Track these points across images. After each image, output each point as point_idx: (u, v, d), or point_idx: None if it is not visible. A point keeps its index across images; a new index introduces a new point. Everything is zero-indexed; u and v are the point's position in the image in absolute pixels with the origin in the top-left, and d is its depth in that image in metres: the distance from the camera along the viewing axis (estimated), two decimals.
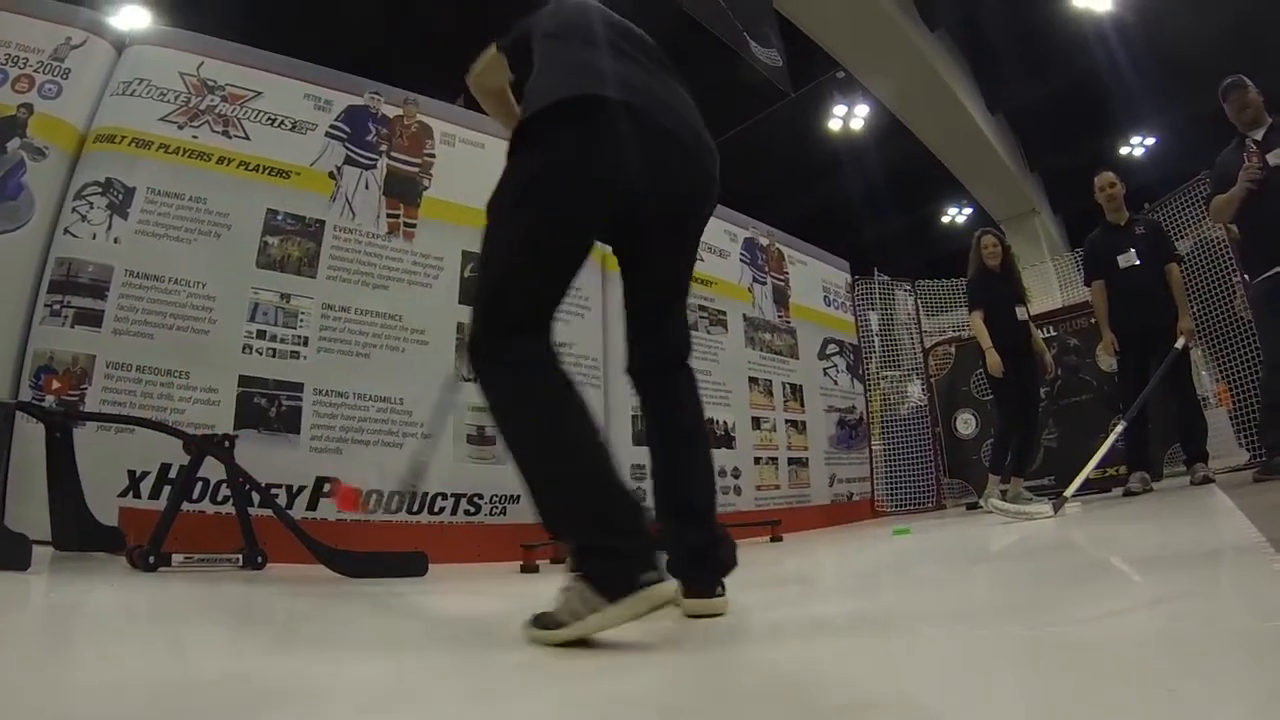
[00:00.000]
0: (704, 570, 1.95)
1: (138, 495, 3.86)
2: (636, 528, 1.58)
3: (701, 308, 6.73)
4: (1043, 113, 13.97)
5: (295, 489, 4.23)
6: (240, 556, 3.39)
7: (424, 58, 10.00)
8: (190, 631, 1.99)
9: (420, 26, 10.00)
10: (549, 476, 1.65)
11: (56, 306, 4.03)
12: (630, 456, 5.44)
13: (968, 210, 16.92)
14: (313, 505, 4.26)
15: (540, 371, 1.74)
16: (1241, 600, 1.51)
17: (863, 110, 12.66)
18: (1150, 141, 15.27)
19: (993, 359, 5.77)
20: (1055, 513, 4.67)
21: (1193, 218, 7.14)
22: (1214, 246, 6.77)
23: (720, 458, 6.24)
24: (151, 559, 3.07)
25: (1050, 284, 10.59)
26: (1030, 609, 1.71)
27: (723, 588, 1.95)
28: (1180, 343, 5.37)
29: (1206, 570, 1.97)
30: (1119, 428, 5.30)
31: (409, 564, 3.46)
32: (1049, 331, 7.65)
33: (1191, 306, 5.98)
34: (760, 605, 2.18)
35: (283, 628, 2.17)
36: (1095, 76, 12.40)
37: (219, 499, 3.89)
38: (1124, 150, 15.33)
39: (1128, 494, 5.51)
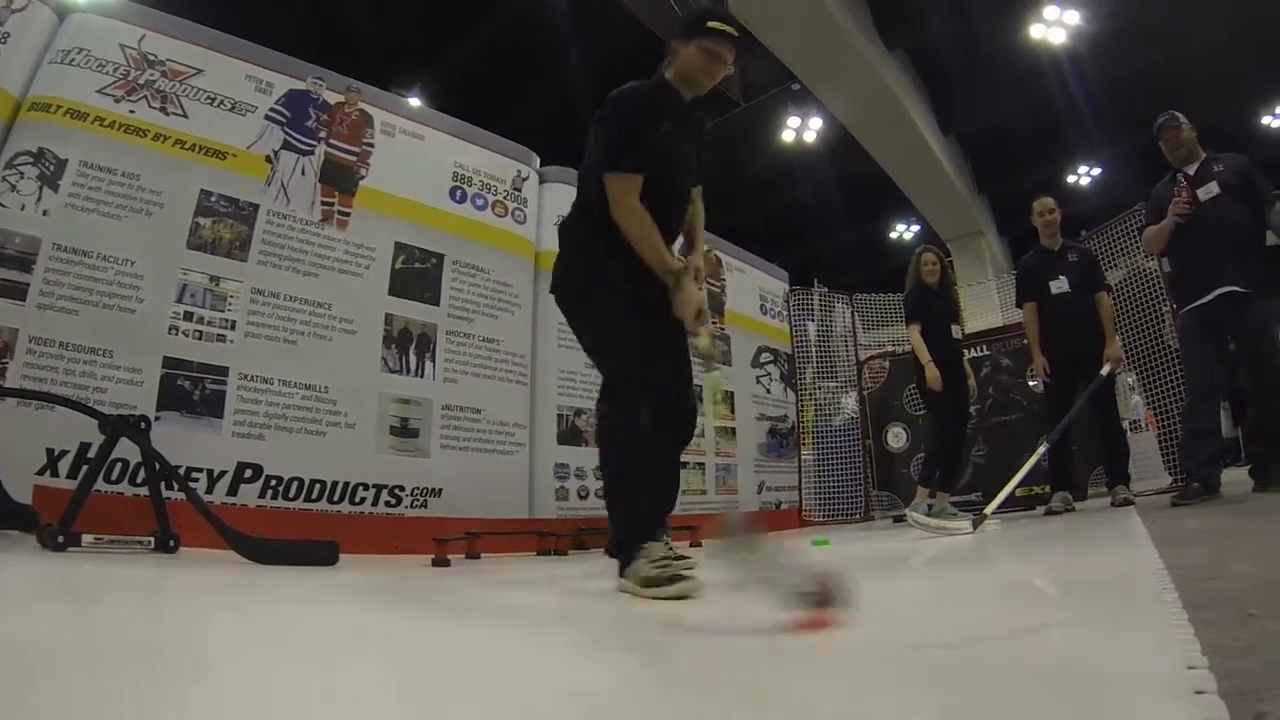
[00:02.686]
0: None
1: (55, 474, 3.80)
2: None
3: None
4: (994, 137, 14.23)
5: (216, 473, 4.19)
6: (153, 539, 3.35)
7: (378, 51, 9.97)
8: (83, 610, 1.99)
9: (385, 29, 9.95)
10: None
11: None
12: (554, 455, 5.51)
13: (916, 227, 17.18)
14: (233, 491, 4.23)
15: None
16: (1122, 631, 1.55)
17: (816, 123, 12.81)
18: (1096, 171, 15.63)
19: (931, 373, 5.83)
20: (974, 529, 4.78)
21: (1127, 247, 7.32)
22: (1147, 276, 6.96)
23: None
24: (61, 538, 3.03)
25: (992, 303, 10.78)
26: (906, 628, 1.75)
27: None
28: (1106, 369, 5.52)
29: (1095, 598, 2.03)
30: (1042, 448, 5.44)
31: (320, 552, 3.46)
32: (983, 350, 7.81)
33: (1121, 333, 6.14)
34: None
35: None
36: (1047, 105, 12.71)
37: (138, 481, 3.81)
38: (1071, 178, 15.69)
39: (1049, 513, 5.65)
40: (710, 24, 2.71)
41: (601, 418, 2.69)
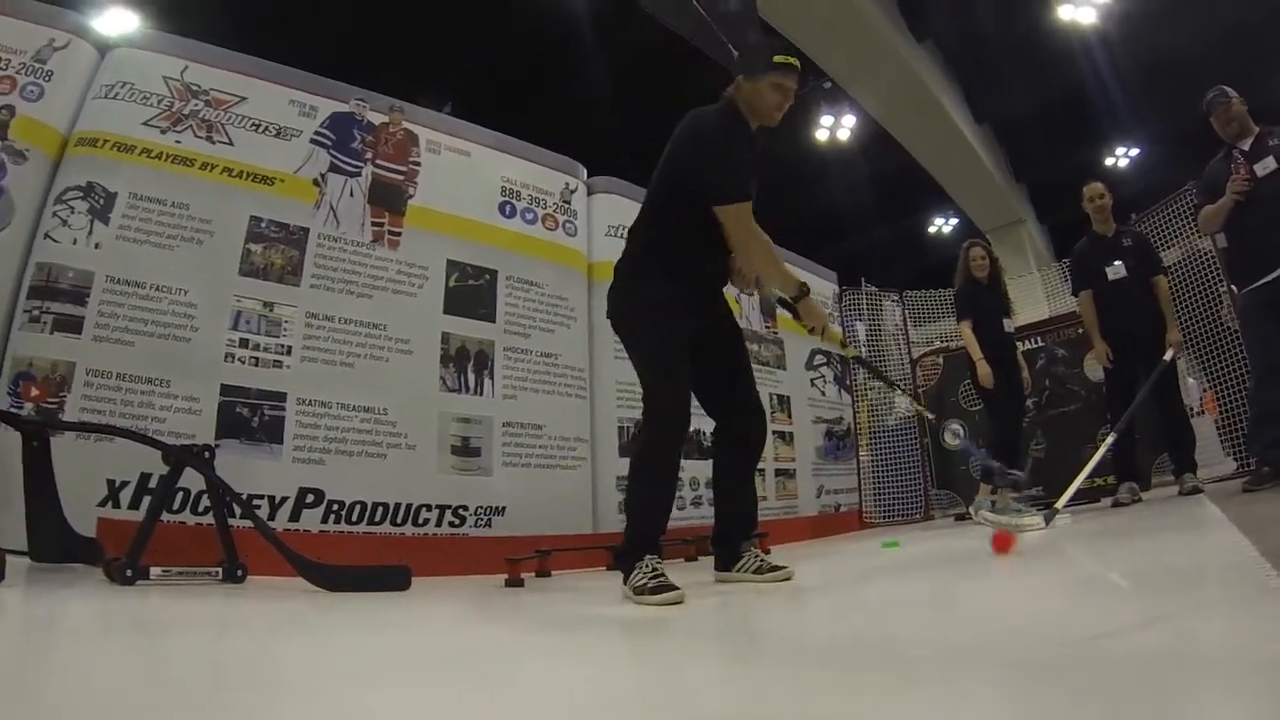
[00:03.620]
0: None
1: (117, 505, 3.80)
2: None
3: None
4: (1029, 124, 14.04)
5: (278, 500, 4.18)
6: (220, 569, 3.32)
7: (409, 65, 10.00)
8: (166, 646, 1.95)
9: (405, 34, 9.97)
10: None
11: (36, 312, 3.97)
12: (616, 467, 5.44)
13: (954, 220, 16.99)
14: (295, 516, 4.21)
15: None
16: (1243, 619, 1.49)
17: (849, 120, 12.71)
18: (1134, 153, 15.37)
19: (983, 369, 5.78)
20: (1047, 524, 4.67)
21: (1180, 229, 7.16)
22: (1202, 257, 6.79)
23: (704, 469, 6.21)
24: (129, 572, 2.99)
25: (1036, 295, 10.61)
26: (1030, 628, 1.68)
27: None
28: (1169, 354, 5.38)
29: (1203, 587, 1.96)
30: (1109, 439, 5.31)
31: (391, 578, 3.40)
32: (1036, 342, 7.66)
33: (1179, 316, 6.01)
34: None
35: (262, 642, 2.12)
36: (1081, 88, 12.50)
37: (200, 510, 3.81)
38: (1109, 161, 15.43)
39: (1116, 504, 5.51)
40: (777, 58, 2.94)
41: (634, 437, 3.01)
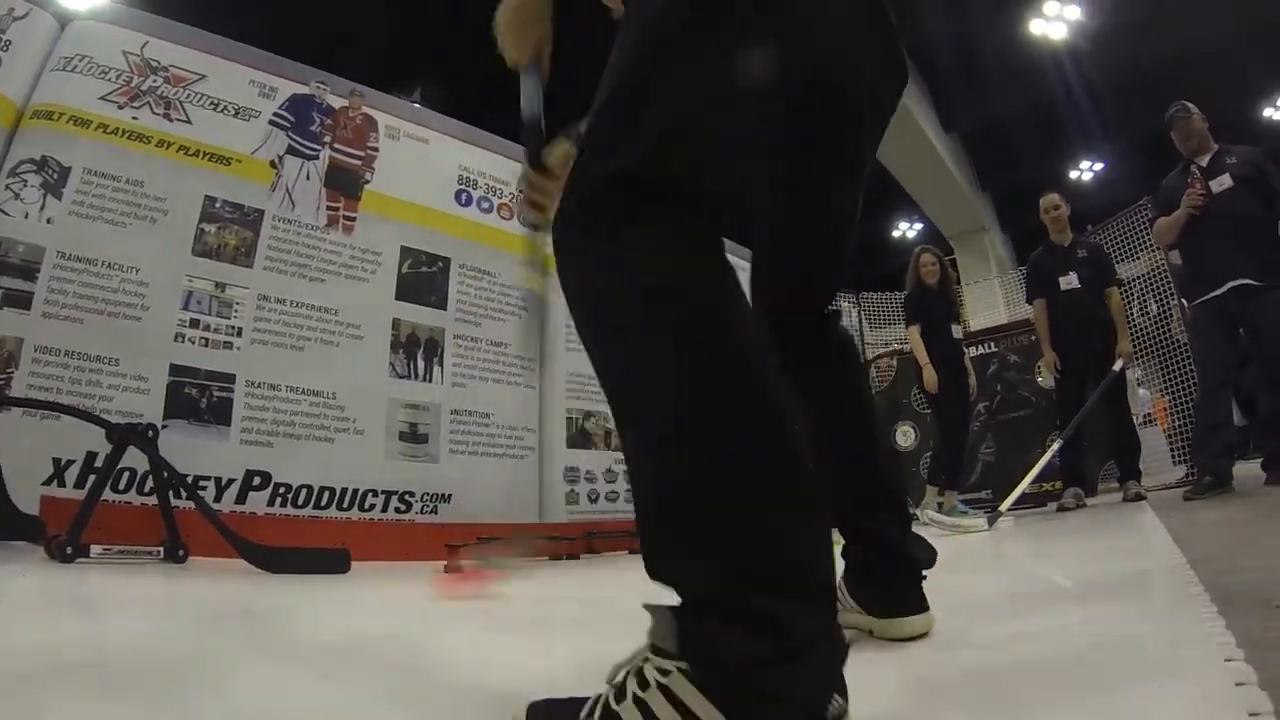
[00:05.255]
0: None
1: (62, 484, 3.76)
2: None
3: None
4: (996, 134, 14.24)
5: (224, 481, 4.16)
6: (161, 549, 3.33)
7: (377, 52, 9.94)
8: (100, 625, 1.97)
9: (375, 20, 9.92)
10: None
11: None
12: (564, 458, 5.47)
13: (919, 225, 17.17)
14: (241, 499, 4.20)
15: None
16: (1156, 624, 1.55)
17: None
18: (1099, 167, 15.63)
19: (929, 375, 5.89)
20: (989, 526, 4.77)
21: (1139, 241, 7.33)
22: (1160, 270, 6.98)
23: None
24: (69, 549, 2.99)
25: (995, 300, 10.76)
26: (966, 627, 1.73)
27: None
28: (1119, 365, 5.52)
29: (1127, 591, 2.03)
30: (1055, 445, 5.43)
31: (331, 561, 3.43)
32: (990, 348, 7.80)
33: (1133, 328, 6.17)
34: None
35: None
36: (1049, 101, 12.72)
37: (145, 490, 3.77)
38: (1074, 174, 15.70)
39: (1061, 509, 5.66)
40: None
41: None
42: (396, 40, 10.10)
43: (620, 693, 0.85)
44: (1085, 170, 15.80)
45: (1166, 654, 1.27)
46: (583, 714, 0.88)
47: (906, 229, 17.81)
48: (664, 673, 0.82)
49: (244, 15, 7.19)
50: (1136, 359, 6.70)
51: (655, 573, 0.88)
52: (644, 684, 0.83)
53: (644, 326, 0.93)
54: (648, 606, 0.87)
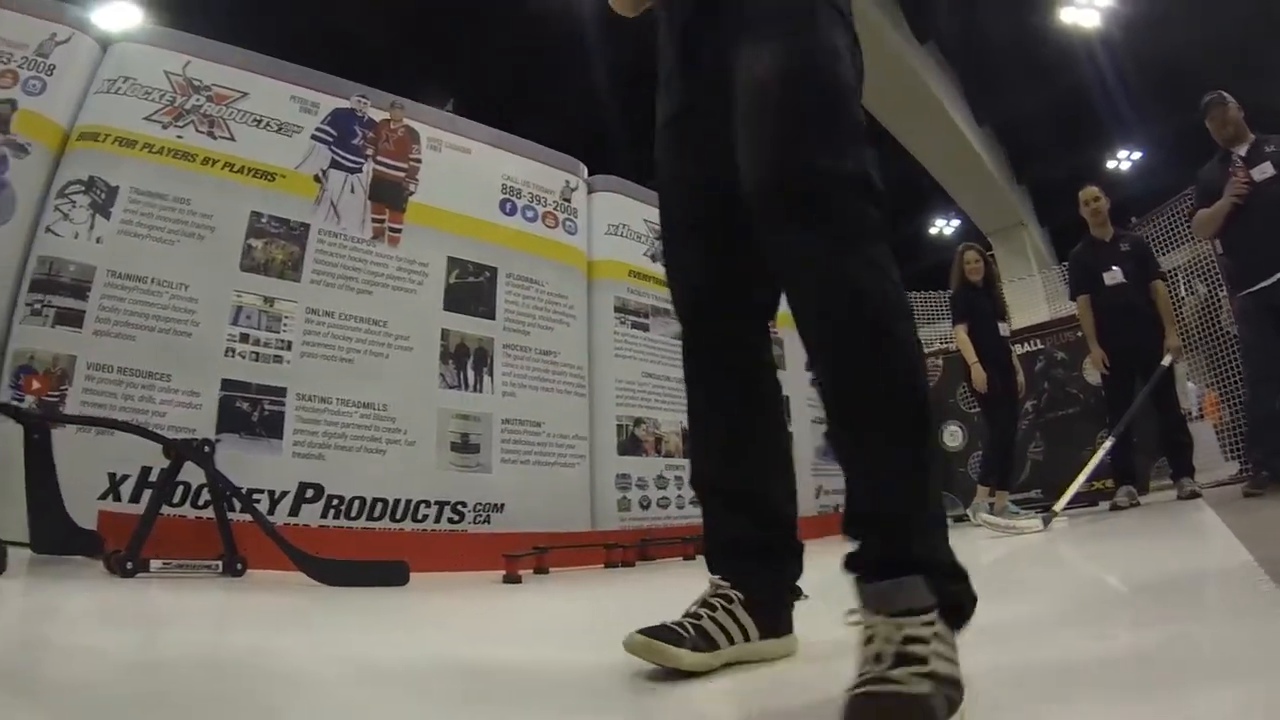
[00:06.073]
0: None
1: (117, 498, 3.81)
2: None
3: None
4: (1031, 125, 14.08)
5: (277, 494, 4.18)
6: (219, 563, 3.34)
7: (413, 61, 10.00)
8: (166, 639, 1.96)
9: (410, 30, 9.98)
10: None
11: (38, 306, 3.98)
12: (615, 465, 5.44)
13: (955, 222, 17.02)
14: (294, 511, 4.22)
15: None
16: (1235, 626, 1.50)
17: None
18: (1136, 155, 15.42)
19: (978, 373, 5.81)
20: (1045, 526, 4.69)
21: (1185, 232, 7.20)
22: (1206, 261, 6.85)
23: None
24: (129, 564, 3.01)
25: (1037, 297, 10.62)
26: (1045, 626, 1.68)
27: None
28: (1167, 360, 5.41)
29: (1198, 593, 1.97)
30: (1107, 443, 5.33)
31: (390, 573, 3.42)
32: (1035, 345, 7.68)
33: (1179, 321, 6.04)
34: None
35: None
36: (1083, 90, 12.53)
37: (200, 503, 3.81)
38: (1111, 164, 15.48)
39: (1114, 508, 5.54)
40: None
41: None
42: (425, 49, 10.17)
43: (904, 657, 1.00)
44: (1123, 160, 15.59)
45: (1246, 653, 1.24)
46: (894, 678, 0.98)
47: (943, 225, 17.67)
48: (929, 624, 1.05)
49: (264, 30, 7.23)
50: (1184, 352, 6.57)
51: (910, 553, 1.14)
52: (923, 640, 1.03)
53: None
54: (895, 583, 1.10)
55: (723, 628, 1.43)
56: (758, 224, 1.37)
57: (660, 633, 1.36)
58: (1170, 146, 13.32)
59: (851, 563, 1.19)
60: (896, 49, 10.76)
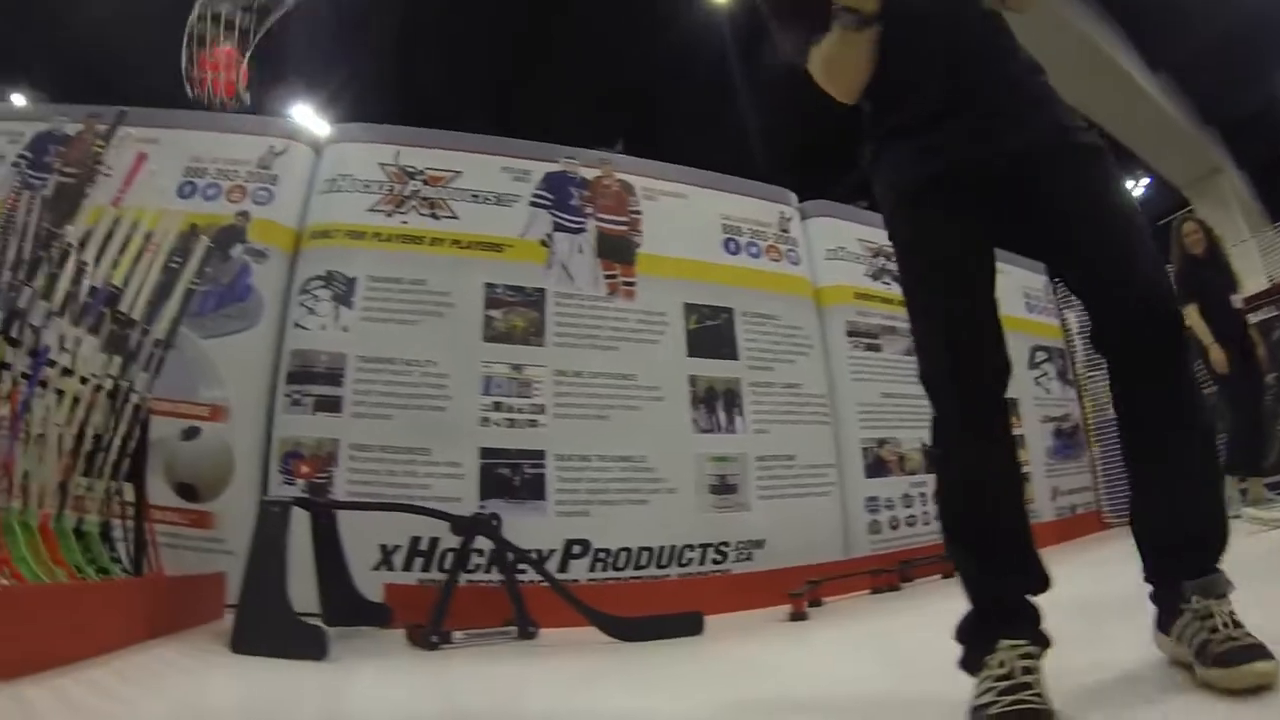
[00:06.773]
0: None
1: (390, 568, 4.06)
2: None
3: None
4: (1209, 62, 13.12)
5: (545, 552, 4.28)
6: (514, 628, 3.43)
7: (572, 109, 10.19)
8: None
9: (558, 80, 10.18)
10: None
11: (296, 396, 4.31)
12: (863, 489, 5.31)
13: (1145, 180, 16.05)
14: (562, 567, 4.33)
15: None
16: None
17: None
18: None
19: (1216, 354, 5.28)
20: None
21: None
22: None
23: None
24: (434, 638, 3.15)
25: (1252, 259, 9.80)
26: None
27: None
28: None
29: None
30: None
31: (685, 624, 3.43)
32: (1271, 311, 7.07)
33: None
34: None
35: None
36: (1259, 12, 11.61)
37: (471, 569, 3.89)
38: None
39: None
40: None
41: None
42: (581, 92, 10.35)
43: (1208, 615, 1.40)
44: None
45: None
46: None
47: (1133, 187, 16.66)
48: (1220, 598, 1.42)
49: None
50: None
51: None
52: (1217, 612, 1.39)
53: None
54: (1214, 573, 1.47)
55: None
56: None
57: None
58: None
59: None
60: (1055, 9, 10.28)
